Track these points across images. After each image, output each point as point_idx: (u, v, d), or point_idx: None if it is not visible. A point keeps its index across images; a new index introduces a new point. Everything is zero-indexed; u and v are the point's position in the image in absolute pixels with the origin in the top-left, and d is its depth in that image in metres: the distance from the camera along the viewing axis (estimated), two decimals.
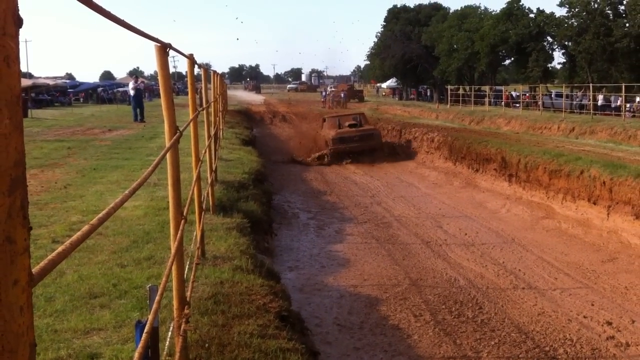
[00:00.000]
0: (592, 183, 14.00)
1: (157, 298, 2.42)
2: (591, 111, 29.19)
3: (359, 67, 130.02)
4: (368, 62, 78.48)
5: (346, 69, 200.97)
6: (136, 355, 2.09)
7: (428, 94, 62.16)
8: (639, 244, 11.91)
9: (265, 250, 9.73)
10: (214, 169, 10.10)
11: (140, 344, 2.11)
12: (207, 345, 4.11)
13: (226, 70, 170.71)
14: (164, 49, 3.34)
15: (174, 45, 3.63)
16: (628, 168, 13.54)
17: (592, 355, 7.15)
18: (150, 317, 2.34)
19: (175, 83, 78.28)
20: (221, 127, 18.36)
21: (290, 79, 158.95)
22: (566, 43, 39.73)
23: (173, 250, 3.16)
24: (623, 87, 26.80)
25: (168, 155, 3.48)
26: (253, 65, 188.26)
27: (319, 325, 7.79)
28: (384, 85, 77.71)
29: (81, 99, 54.87)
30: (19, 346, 0.91)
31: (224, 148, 16.59)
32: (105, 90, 55.80)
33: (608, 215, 13.31)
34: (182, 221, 3.49)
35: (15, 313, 0.91)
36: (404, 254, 11.54)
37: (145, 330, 2.19)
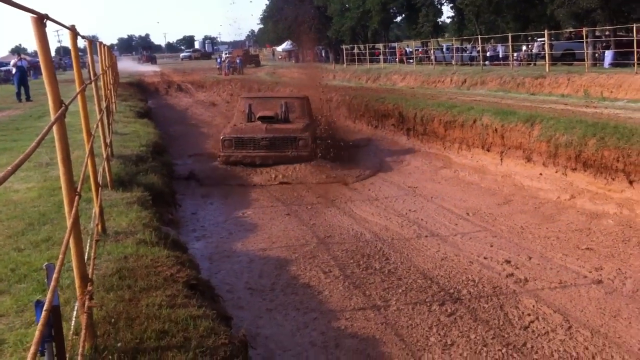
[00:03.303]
0: (485, 131, 14.54)
1: (54, 275, 2.34)
2: (481, 62, 30.19)
3: (252, 31, 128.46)
4: (262, 26, 77.77)
5: (240, 34, 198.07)
6: (37, 334, 2.02)
7: (324, 54, 62.33)
8: (531, 185, 12.53)
9: (169, 222, 9.59)
10: (108, 143, 9.80)
11: (40, 322, 2.05)
12: (114, 320, 4.03)
13: (115, 42, 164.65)
14: (40, 20, 3.18)
15: (54, 17, 3.46)
16: (517, 114, 14.14)
17: (493, 292, 7.50)
18: (48, 295, 2.27)
19: (62, 58, 74.92)
20: (113, 101, 17.77)
21: (183, 47, 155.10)
22: None
23: (69, 227, 3.06)
24: (510, 37, 27.79)
25: (55, 131, 3.34)
26: (143, 35, 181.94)
27: (230, 291, 7.78)
28: (279, 48, 77.26)
29: None
30: None
31: (118, 122, 16.10)
32: None
33: (501, 160, 13.91)
34: (76, 197, 3.37)
35: None
36: (310, 214, 11.64)
37: (45, 308, 2.12)
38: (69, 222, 3.20)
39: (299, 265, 8.79)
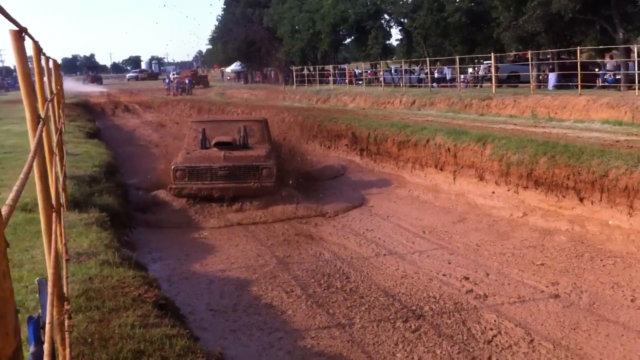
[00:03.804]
0: (438, 150, 14.81)
1: (49, 290, 2.29)
2: (429, 84, 30.73)
3: (200, 52, 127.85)
4: (210, 47, 77.54)
5: (187, 55, 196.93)
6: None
7: (273, 76, 62.44)
8: (484, 203, 12.79)
9: (126, 243, 9.44)
10: (64, 163, 9.62)
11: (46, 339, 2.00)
12: (89, 341, 3.94)
13: (59, 62, 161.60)
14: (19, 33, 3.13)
15: None
16: (469, 134, 14.45)
17: (455, 308, 7.61)
18: (48, 308, 2.21)
19: (4, 78, 73.25)
20: (62, 121, 17.45)
21: (129, 68, 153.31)
22: (402, 20, 41.36)
23: (48, 244, 3.00)
24: (457, 59, 28.41)
25: (34, 147, 3.28)
26: (87, 55, 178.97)
27: (192, 312, 7.69)
28: (228, 69, 77.07)
29: None
30: (6, 311, 0.85)
31: (68, 142, 15.80)
32: None
33: (454, 179, 14.16)
34: (54, 214, 3.31)
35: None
36: (268, 234, 11.62)
37: (48, 321, 2.07)
38: (45, 242, 3.14)
39: (260, 285, 8.75)
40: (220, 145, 13.85)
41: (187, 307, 7.90)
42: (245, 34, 55.99)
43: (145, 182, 15.11)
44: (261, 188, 13.03)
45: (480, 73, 33.20)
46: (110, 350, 3.85)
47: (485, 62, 33.27)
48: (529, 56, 24.33)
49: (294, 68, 48.40)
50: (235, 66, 73.14)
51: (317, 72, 42.76)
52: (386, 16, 44.08)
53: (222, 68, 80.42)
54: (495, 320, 7.18)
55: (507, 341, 6.64)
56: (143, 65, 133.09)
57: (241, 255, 10.28)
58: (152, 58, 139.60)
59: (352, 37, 48.84)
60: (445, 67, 36.20)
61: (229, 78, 75.37)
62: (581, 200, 11.07)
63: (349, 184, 15.99)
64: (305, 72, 46.53)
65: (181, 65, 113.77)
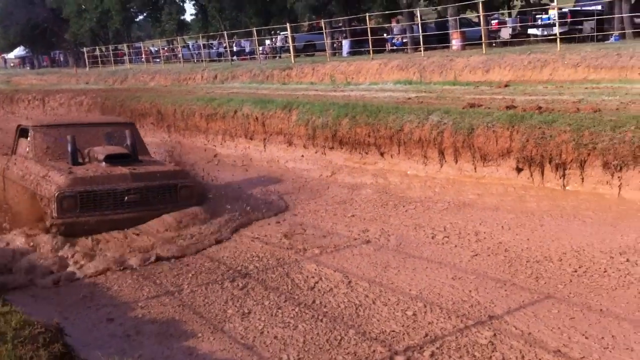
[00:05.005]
0: (246, 120, 15.18)
1: None
2: (230, 58, 31.00)
3: None
4: None
5: None
6: None
7: (62, 59, 59.17)
8: (295, 167, 13.42)
9: None
10: None
11: None
12: None
13: None
14: None
15: None
16: (275, 102, 14.97)
17: (278, 263, 8.01)
18: None
19: None
20: None
21: None
22: None
23: None
24: (254, 31, 28.90)
25: None
26: None
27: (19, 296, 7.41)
28: (11, 55, 71.75)
29: None
30: None
31: None
32: None
33: (265, 147, 14.64)
34: None
35: None
36: None
37: None
38: None
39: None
40: (111, 159, 9.92)
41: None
42: (27, 17, 52.30)
43: None
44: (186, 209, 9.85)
45: (278, 44, 34.04)
46: None
47: (281, 33, 34.12)
48: (323, 25, 25.43)
49: (85, 49, 46.18)
50: (19, 51, 68.27)
51: (111, 53, 41.26)
52: None
53: (3, 55, 74.59)
54: (315, 269, 7.70)
55: (327, 285, 7.18)
56: None
57: None
58: None
59: (145, 14, 47.63)
60: (243, 40, 36.61)
61: (12, 65, 70.18)
62: (382, 155, 12.03)
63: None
64: (98, 52, 44.66)
65: None
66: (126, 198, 9.38)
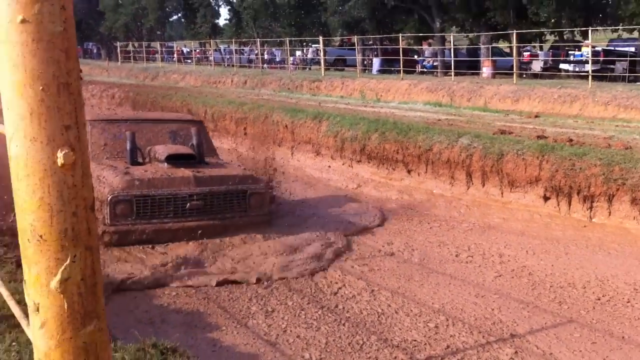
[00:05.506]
0: (276, 127, 15.37)
1: None
2: (260, 65, 31.32)
3: None
4: None
5: None
6: None
7: (95, 51, 59.93)
8: (321, 177, 13.56)
9: None
10: None
11: None
12: None
13: None
14: None
15: None
16: (306, 112, 15.16)
17: None
18: None
19: None
20: None
21: None
22: (231, 0, 41.57)
23: None
24: (287, 41, 29.22)
25: None
26: None
27: None
28: None
29: None
30: None
31: None
32: None
33: (292, 154, 14.81)
34: None
35: None
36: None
37: None
38: None
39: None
40: (173, 159, 8.88)
41: None
42: None
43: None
44: (249, 224, 8.80)
45: (309, 56, 34.35)
46: None
47: (313, 45, 34.44)
48: (355, 41, 25.68)
49: (118, 44, 46.82)
50: None
51: (144, 49, 41.78)
52: None
53: None
54: (339, 276, 7.83)
55: (350, 292, 7.30)
56: None
57: None
58: None
59: (180, 15, 48.25)
60: (275, 49, 36.98)
61: None
62: (409, 172, 12.17)
63: None
64: (130, 48, 45.21)
65: None
66: (188, 205, 8.36)
